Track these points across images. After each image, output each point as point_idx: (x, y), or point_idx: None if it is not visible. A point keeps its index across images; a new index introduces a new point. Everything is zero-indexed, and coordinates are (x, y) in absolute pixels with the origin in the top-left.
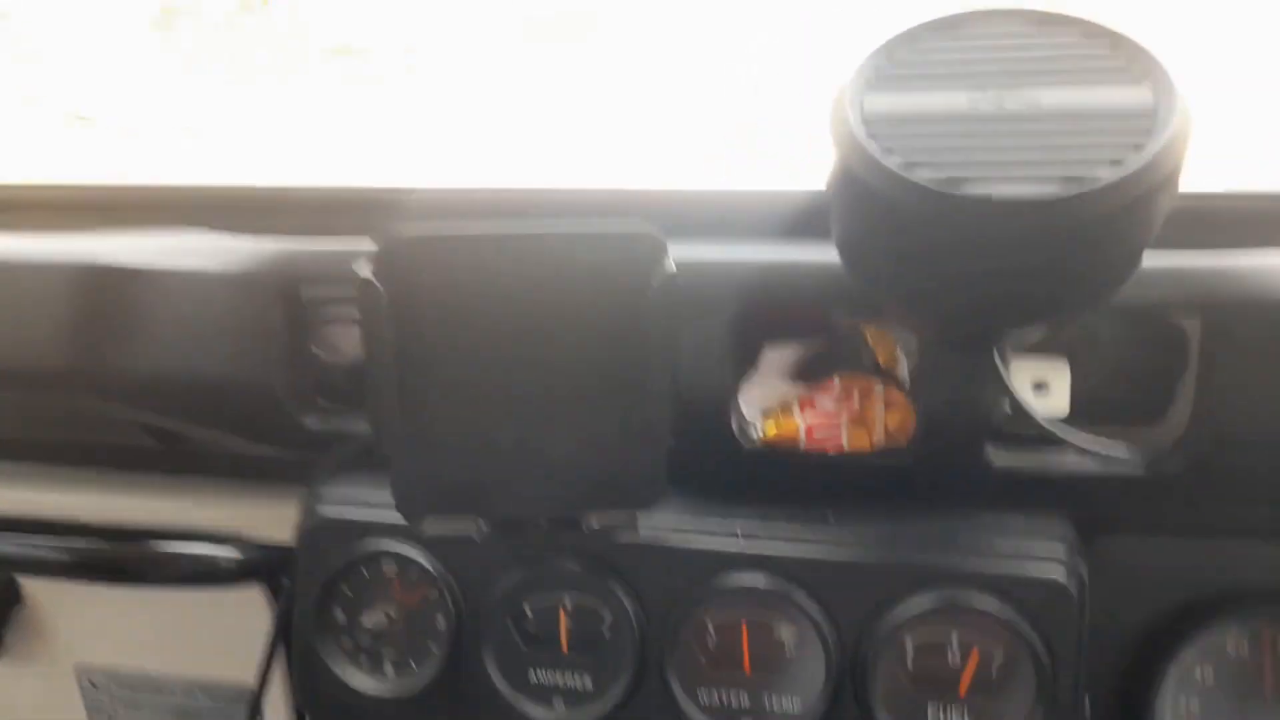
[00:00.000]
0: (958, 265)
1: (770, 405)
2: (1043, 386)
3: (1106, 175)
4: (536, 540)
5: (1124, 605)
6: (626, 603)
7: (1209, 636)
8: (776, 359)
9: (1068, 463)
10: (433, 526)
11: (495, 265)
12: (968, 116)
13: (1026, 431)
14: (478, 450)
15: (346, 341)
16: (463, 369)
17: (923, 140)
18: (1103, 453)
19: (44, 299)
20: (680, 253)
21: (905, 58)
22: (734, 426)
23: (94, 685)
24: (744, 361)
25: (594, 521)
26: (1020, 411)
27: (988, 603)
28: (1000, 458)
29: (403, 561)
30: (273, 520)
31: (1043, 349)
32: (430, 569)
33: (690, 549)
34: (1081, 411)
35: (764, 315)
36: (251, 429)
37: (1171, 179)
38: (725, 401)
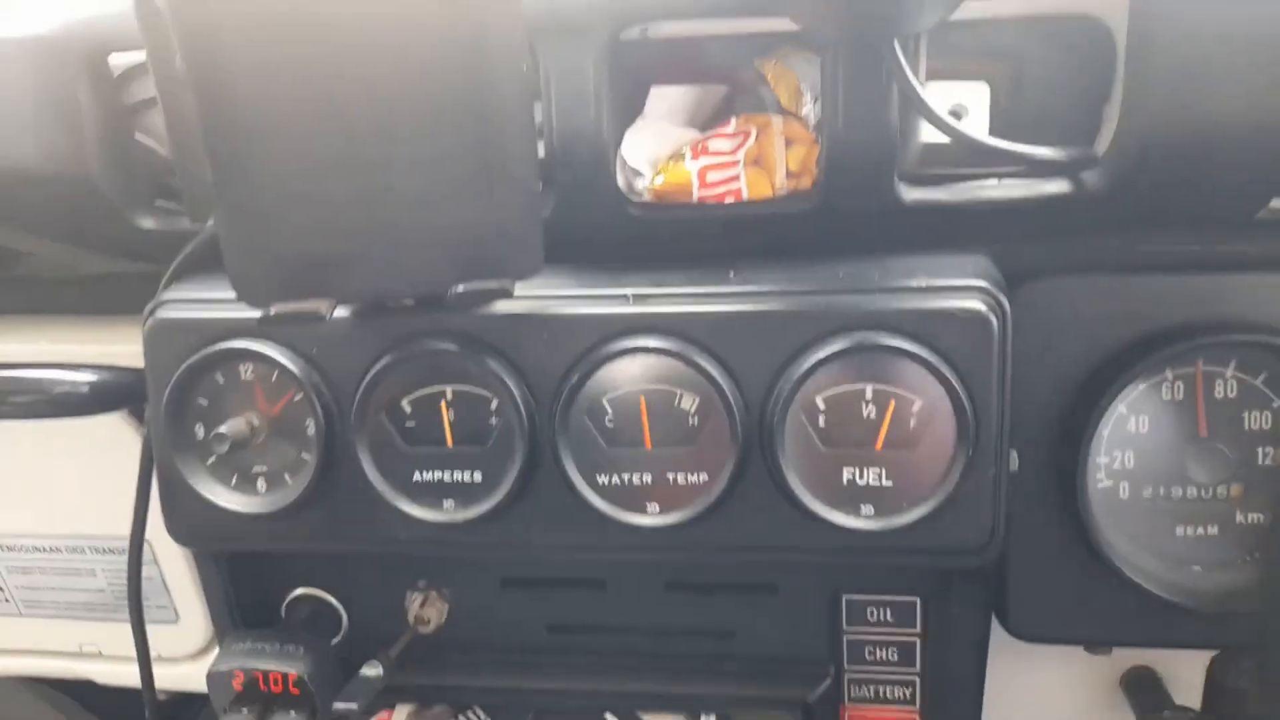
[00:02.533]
0: None
1: (660, 154)
2: (960, 113)
3: None
4: (402, 321)
5: (1050, 355)
6: (511, 384)
7: (1142, 383)
8: (666, 102)
9: (986, 193)
10: (277, 309)
11: None
12: None
13: (939, 170)
14: (318, 216)
15: None
16: (282, 112)
17: None
18: (1021, 152)
19: None
20: None
21: None
22: (619, 180)
23: None
24: (628, 107)
25: (460, 289)
26: (929, 146)
27: (900, 342)
28: (912, 194)
29: (260, 361)
30: (135, 350)
31: (959, 73)
32: (290, 368)
33: (576, 315)
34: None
35: (647, 54)
36: (79, 233)
37: None
38: (606, 151)
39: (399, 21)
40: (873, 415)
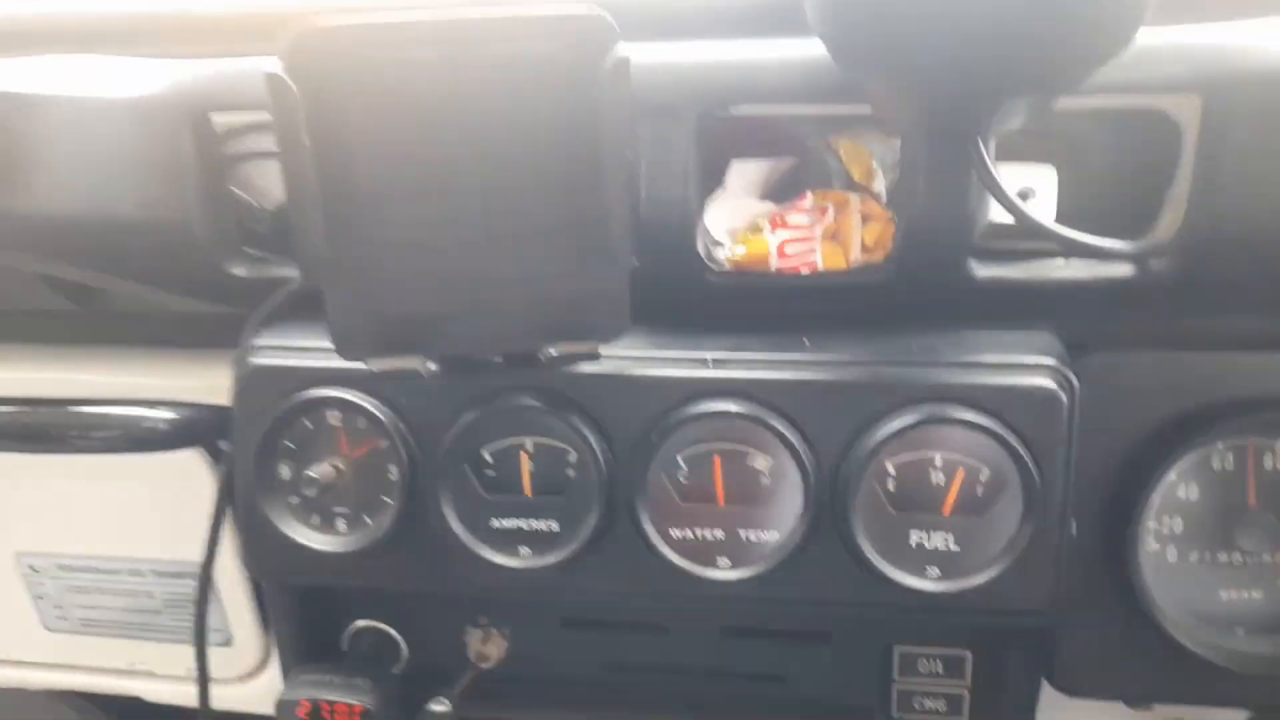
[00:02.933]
0: (942, 19)
1: (739, 225)
2: (1028, 195)
3: None
4: (492, 378)
5: (1108, 426)
6: (591, 439)
7: (1194, 453)
8: (745, 175)
9: (1053, 273)
10: (376, 365)
11: (423, 57)
12: None
13: (1010, 245)
14: (420, 279)
15: (272, 184)
16: (395, 182)
17: None
18: (1092, 244)
19: None
20: (635, 54)
21: None
22: (700, 249)
23: (35, 571)
24: (710, 180)
25: (553, 353)
26: (999, 224)
27: (973, 416)
28: (983, 270)
29: (348, 408)
30: (211, 387)
31: (1028, 155)
32: (379, 415)
33: (657, 377)
34: (1068, 222)
35: (730, 129)
36: (171, 278)
37: None
38: (691, 222)
39: (515, 103)
40: (941, 482)
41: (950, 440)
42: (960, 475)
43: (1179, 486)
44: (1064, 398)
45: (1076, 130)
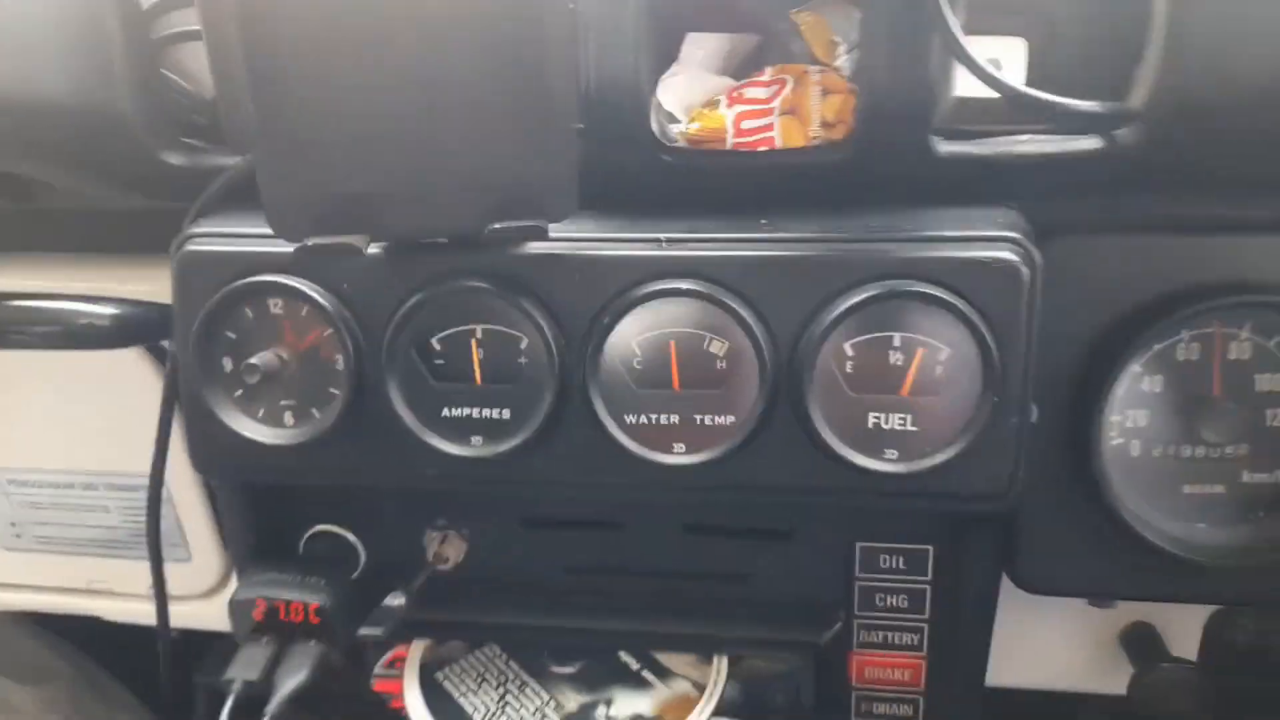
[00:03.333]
0: None
1: (694, 101)
2: (998, 64)
3: None
4: (436, 260)
5: (1073, 313)
6: (543, 324)
7: (1159, 343)
8: (702, 48)
9: (1019, 148)
10: (314, 243)
11: None
12: None
13: (974, 125)
14: (358, 154)
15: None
16: (328, 51)
17: None
18: (1059, 103)
19: None
20: None
21: None
22: (654, 125)
23: None
24: (664, 54)
25: (496, 227)
26: (969, 101)
27: (932, 289)
28: (947, 146)
29: (289, 295)
30: (155, 288)
31: (998, 29)
32: (321, 302)
33: (609, 257)
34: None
35: (691, 5)
36: (104, 167)
37: None
38: (643, 97)
39: None
40: (900, 362)
41: (908, 318)
42: (919, 355)
43: (1143, 379)
44: (1025, 271)
45: (1046, 3)
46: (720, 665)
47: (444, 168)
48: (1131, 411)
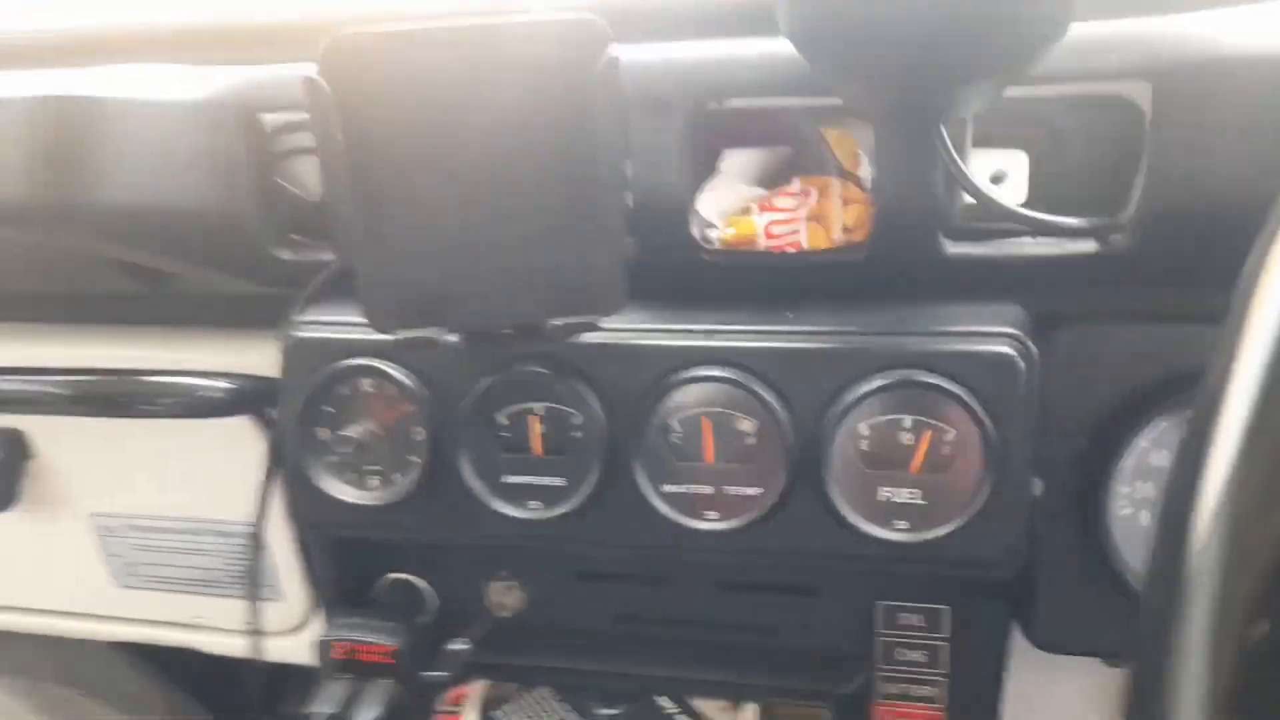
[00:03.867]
0: (892, 21)
1: (730, 208)
2: (1001, 178)
3: None
4: (503, 348)
5: (1079, 393)
6: (593, 403)
7: (1164, 420)
8: (737, 163)
9: (1022, 249)
10: (400, 335)
11: (440, 61)
12: None
13: (984, 224)
14: (441, 259)
15: (314, 177)
16: (418, 173)
17: None
18: (1053, 221)
19: (10, 134)
20: (629, 53)
21: None
22: (695, 231)
23: (109, 531)
24: (704, 167)
25: (556, 324)
26: (976, 204)
27: (937, 380)
28: (955, 248)
29: (379, 376)
30: (263, 363)
31: (1003, 142)
32: (406, 383)
33: (653, 346)
34: (1042, 204)
35: (723, 121)
36: (226, 262)
37: None
38: (684, 206)
39: (521, 101)
40: (910, 442)
41: (918, 403)
42: (927, 436)
43: (1151, 453)
44: (1021, 363)
45: (1047, 117)
46: (751, 712)
47: (509, 270)
48: (1140, 484)
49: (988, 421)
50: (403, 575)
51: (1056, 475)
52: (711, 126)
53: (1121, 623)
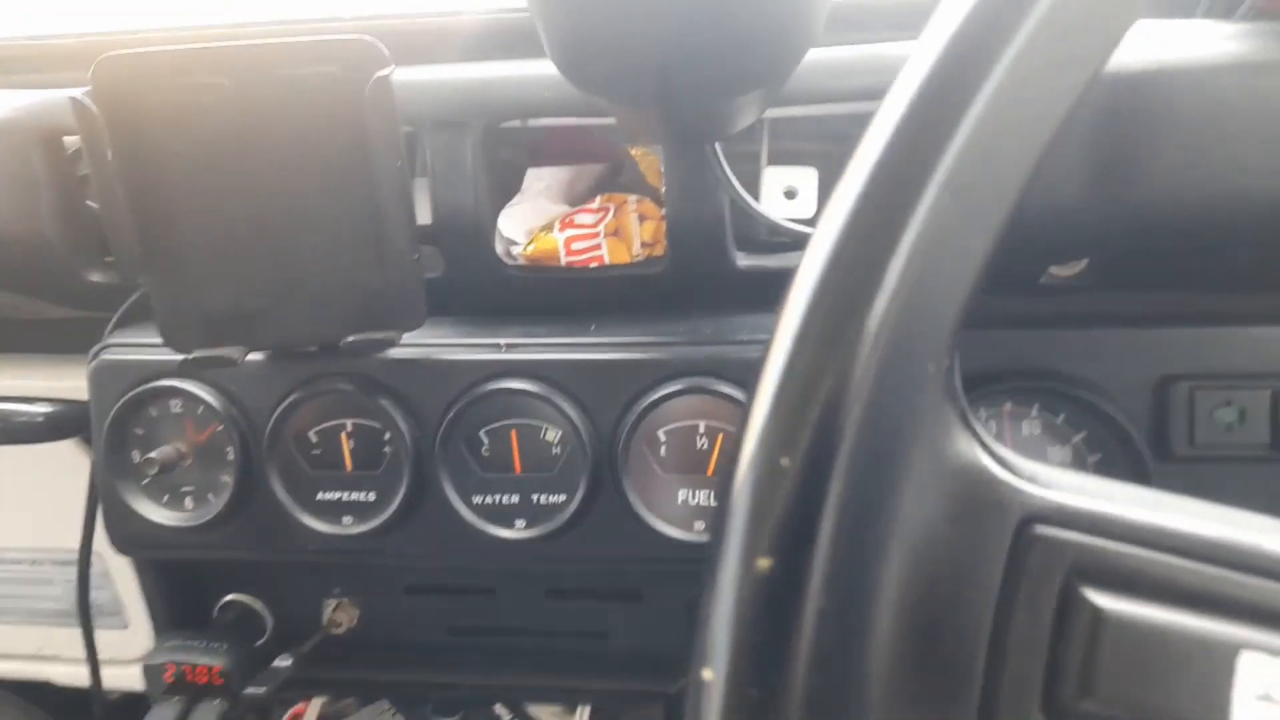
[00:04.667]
0: (633, 33)
1: (534, 226)
2: (793, 194)
3: None
4: (306, 366)
5: None
6: (399, 419)
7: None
8: (542, 180)
9: None
10: (195, 355)
11: (216, 81)
12: None
13: (777, 238)
14: (233, 278)
15: None
16: (201, 192)
17: None
18: (797, 230)
19: None
20: (424, 74)
21: None
22: (498, 247)
23: None
24: (509, 185)
25: (353, 341)
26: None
27: (723, 386)
28: (746, 260)
29: (186, 398)
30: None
31: (795, 160)
32: (212, 403)
33: (457, 361)
34: None
35: (553, 139)
36: (36, 286)
37: None
38: (485, 223)
39: (300, 119)
40: (705, 446)
41: (709, 409)
42: (720, 439)
43: None
44: None
45: (834, 136)
46: (583, 715)
47: (305, 288)
48: None
49: None
50: (239, 596)
51: None
52: (528, 145)
53: None
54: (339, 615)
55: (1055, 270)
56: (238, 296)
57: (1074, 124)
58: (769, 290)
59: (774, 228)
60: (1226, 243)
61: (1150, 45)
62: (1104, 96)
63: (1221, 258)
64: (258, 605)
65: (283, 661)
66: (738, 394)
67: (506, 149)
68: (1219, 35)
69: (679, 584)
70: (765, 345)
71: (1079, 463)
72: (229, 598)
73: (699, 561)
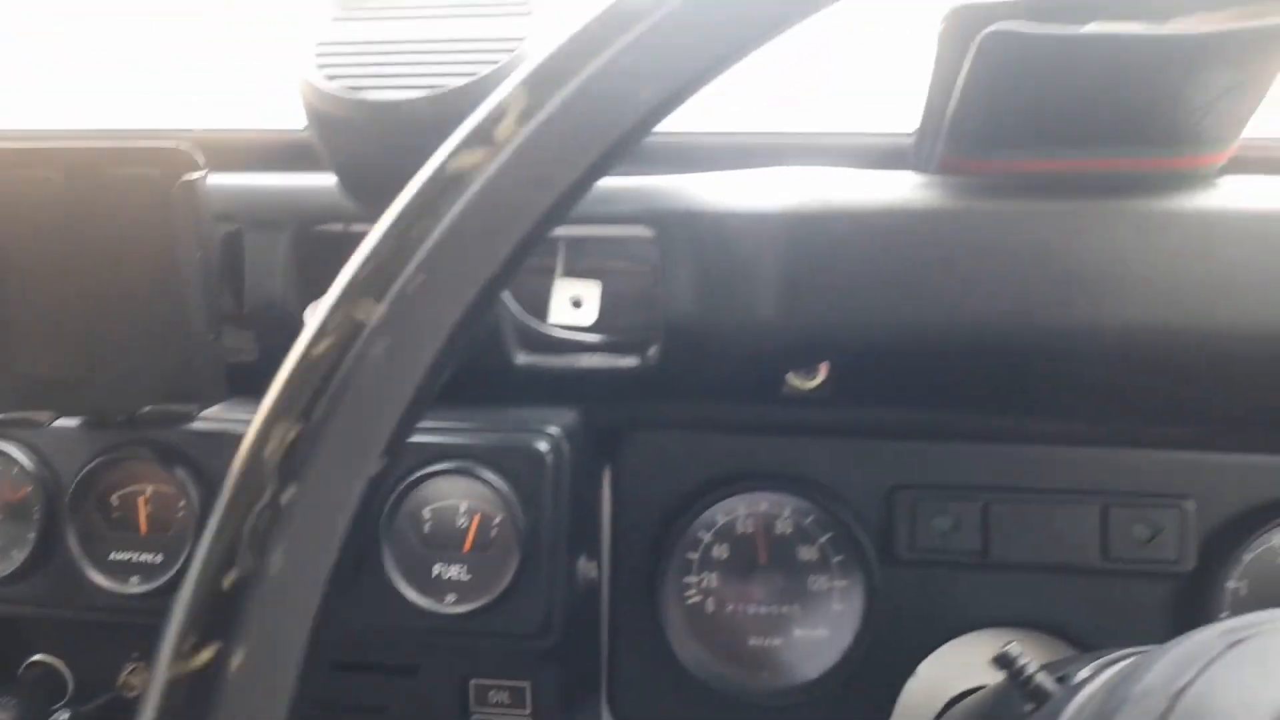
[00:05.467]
0: (366, 168)
1: None
2: (579, 303)
3: (455, 83)
4: (112, 433)
5: (646, 490)
6: (192, 487)
7: (719, 517)
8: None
9: (578, 362)
10: (4, 418)
11: (49, 176)
12: (394, 41)
13: (557, 338)
14: (53, 350)
15: None
16: (28, 274)
17: (359, 60)
18: (579, 340)
19: None
20: (242, 179)
21: None
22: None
23: None
24: (321, 281)
25: (149, 411)
26: (551, 324)
27: (480, 469)
28: (524, 359)
29: (3, 458)
30: None
31: (581, 273)
32: (27, 464)
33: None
34: (607, 325)
35: (340, 235)
36: None
37: None
38: (293, 314)
39: (119, 214)
40: (464, 525)
41: (469, 490)
42: (477, 519)
43: (714, 547)
44: (550, 458)
45: (614, 253)
46: None
47: (113, 363)
48: (706, 574)
49: (519, 507)
50: (43, 657)
51: (630, 561)
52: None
53: (692, 702)
54: (133, 679)
55: (797, 383)
56: (51, 366)
57: (771, 251)
58: (545, 387)
59: (546, 336)
60: (915, 369)
61: (850, 189)
62: (804, 230)
63: (932, 379)
64: (60, 666)
65: (61, 715)
66: (491, 477)
67: (326, 248)
68: (913, 184)
69: (453, 659)
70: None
71: (824, 561)
72: (34, 658)
73: (445, 633)
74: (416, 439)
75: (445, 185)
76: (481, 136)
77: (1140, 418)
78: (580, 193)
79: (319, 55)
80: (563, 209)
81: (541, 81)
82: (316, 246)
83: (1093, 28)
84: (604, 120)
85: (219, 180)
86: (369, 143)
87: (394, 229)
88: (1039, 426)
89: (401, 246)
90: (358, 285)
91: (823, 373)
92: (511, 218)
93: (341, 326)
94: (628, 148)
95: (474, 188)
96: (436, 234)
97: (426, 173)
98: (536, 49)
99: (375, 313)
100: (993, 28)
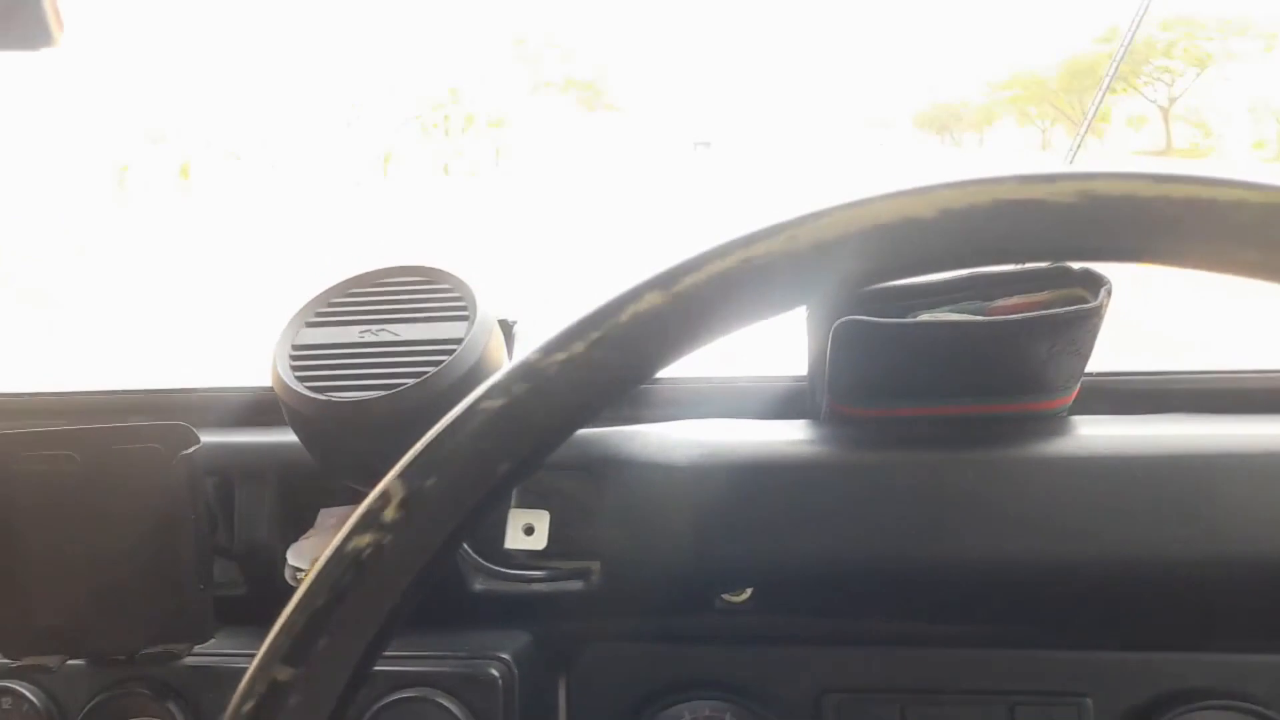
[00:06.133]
0: (336, 452)
1: (317, 556)
2: (531, 530)
3: (408, 383)
4: (114, 671)
5: (600, 702)
6: (183, 719)
7: None
8: (332, 518)
9: (529, 587)
10: (19, 661)
11: (65, 454)
12: (356, 345)
13: (509, 572)
14: (60, 600)
15: None
16: (42, 535)
17: (323, 363)
18: (535, 570)
19: None
20: (231, 436)
21: (334, 301)
22: (286, 575)
23: None
24: (300, 521)
25: (148, 655)
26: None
27: (442, 699)
28: (481, 584)
29: (16, 696)
30: None
31: (530, 503)
32: (35, 701)
33: (235, 669)
34: (556, 550)
35: (318, 484)
36: None
37: (463, 385)
38: (276, 556)
39: (127, 481)
40: None
41: (430, 715)
42: None
43: None
44: (501, 682)
45: (555, 488)
46: None
47: (112, 609)
48: None
49: None
50: None
51: None
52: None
53: None
54: None
55: (728, 596)
56: (60, 614)
57: (685, 498)
58: (498, 610)
59: (498, 570)
60: (828, 587)
61: (748, 440)
62: (710, 480)
63: (847, 594)
64: None
65: None
66: (446, 703)
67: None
68: (801, 435)
69: None
70: None
71: None
72: None
73: None
74: (379, 667)
75: (346, 564)
76: (370, 522)
77: (1035, 625)
78: (450, 554)
79: (292, 359)
80: (433, 573)
81: (415, 472)
82: (298, 493)
83: (925, 318)
84: (467, 497)
85: (214, 439)
86: (339, 436)
87: (304, 602)
88: (950, 631)
89: (311, 621)
90: (276, 653)
91: (749, 589)
92: (393, 586)
93: (259, 684)
94: (489, 512)
95: (367, 564)
96: (340, 611)
97: (329, 552)
98: (471, 351)
99: (289, 674)
100: (842, 321)
